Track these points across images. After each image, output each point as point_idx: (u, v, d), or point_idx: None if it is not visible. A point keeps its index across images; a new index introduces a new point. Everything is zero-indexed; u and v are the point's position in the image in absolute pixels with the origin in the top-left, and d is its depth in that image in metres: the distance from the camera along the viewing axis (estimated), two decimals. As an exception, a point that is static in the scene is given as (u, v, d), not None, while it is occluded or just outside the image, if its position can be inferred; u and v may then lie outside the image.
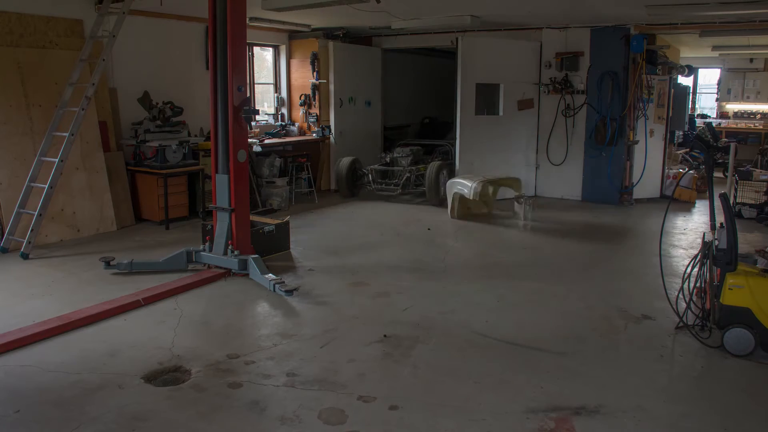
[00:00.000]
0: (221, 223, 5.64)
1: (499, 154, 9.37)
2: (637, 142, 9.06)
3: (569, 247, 6.82)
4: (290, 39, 10.15)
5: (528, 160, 9.66)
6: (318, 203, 9.07)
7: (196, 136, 8.22)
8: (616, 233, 7.48)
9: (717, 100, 14.38)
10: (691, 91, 12.53)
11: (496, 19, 8.67)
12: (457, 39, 8.99)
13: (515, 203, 8.25)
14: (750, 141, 13.21)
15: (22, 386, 3.52)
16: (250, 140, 7.83)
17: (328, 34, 9.92)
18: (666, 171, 9.71)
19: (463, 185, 7.86)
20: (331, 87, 9.92)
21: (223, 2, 5.29)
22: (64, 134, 6.28)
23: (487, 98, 9.60)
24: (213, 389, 3.52)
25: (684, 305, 4.49)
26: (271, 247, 6.22)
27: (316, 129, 9.92)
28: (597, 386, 3.59)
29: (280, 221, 6.46)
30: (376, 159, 9.85)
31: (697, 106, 15.07)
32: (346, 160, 9.25)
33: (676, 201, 9.04)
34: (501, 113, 9.45)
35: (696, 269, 4.31)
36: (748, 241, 6.74)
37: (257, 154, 8.67)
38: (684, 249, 6.70)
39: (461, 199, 8.04)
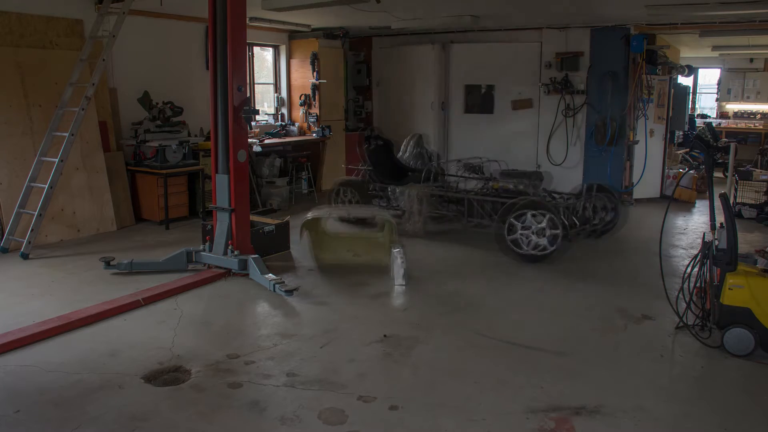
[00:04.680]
0: (221, 223, 5.64)
1: (496, 152, 9.42)
2: (637, 142, 9.06)
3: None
4: (290, 39, 10.15)
5: (529, 160, 9.66)
6: (318, 203, 9.06)
7: (196, 136, 8.21)
8: (615, 233, 7.46)
9: (717, 100, 14.37)
10: (691, 91, 12.52)
11: (496, 19, 8.66)
12: (451, 44, 9.40)
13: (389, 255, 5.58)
14: (750, 141, 13.19)
15: (22, 386, 3.52)
16: (250, 140, 7.82)
17: (328, 34, 9.91)
18: (666, 171, 9.71)
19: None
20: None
21: (223, 2, 5.29)
22: (64, 134, 6.28)
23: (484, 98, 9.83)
24: (213, 389, 3.52)
25: (684, 305, 4.49)
26: (271, 247, 6.22)
27: (316, 129, 9.92)
28: (597, 386, 3.59)
29: (280, 221, 6.46)
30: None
31: (697, 106, 15.05)
32: None
33: (676, 201, 9.03)
34: (494, 112, 9.93)
35: (696, 269, 4.31)
36: (748, 241, 6.75)
37: (257, 154, 8.67)
38: (684, 249, 6.69)
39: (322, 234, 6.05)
